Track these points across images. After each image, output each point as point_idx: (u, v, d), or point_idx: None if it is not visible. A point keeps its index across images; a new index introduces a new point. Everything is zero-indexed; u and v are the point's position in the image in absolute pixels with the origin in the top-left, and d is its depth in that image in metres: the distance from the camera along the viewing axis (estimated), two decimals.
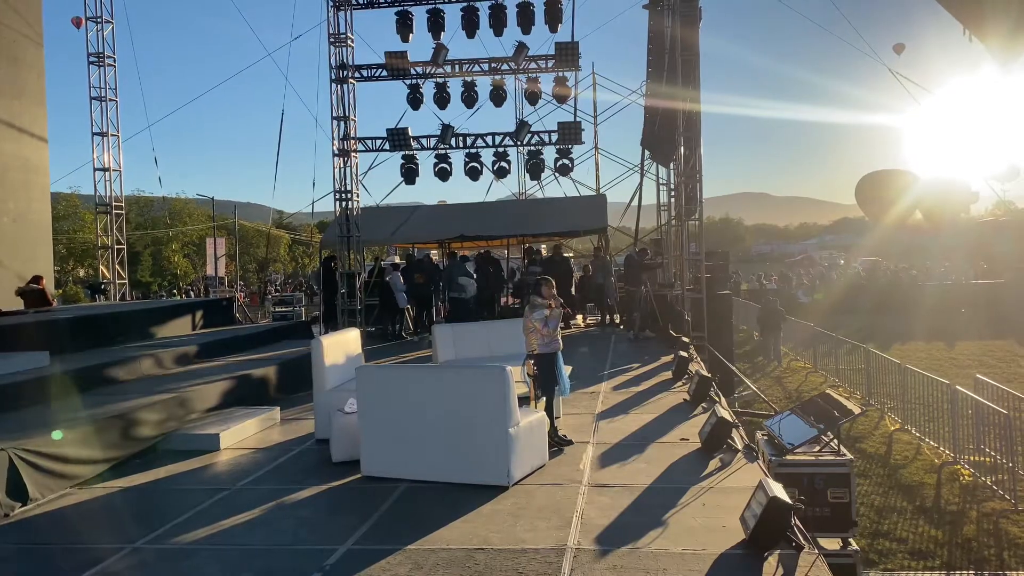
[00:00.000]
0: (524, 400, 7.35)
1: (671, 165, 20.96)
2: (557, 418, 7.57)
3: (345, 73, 17.32)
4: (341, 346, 8.43)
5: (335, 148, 17.40)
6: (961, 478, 10.90)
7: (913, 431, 13.15)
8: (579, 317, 18.75)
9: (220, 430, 7.98)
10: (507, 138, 17.97)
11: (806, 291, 33.88)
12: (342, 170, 17.37)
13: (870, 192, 49.89)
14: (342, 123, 17.40)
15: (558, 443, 7.28)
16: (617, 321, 17.69)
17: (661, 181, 23.71)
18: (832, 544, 6.96)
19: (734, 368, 14.27)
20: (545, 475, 6.48)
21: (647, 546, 4.86)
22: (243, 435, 8.23)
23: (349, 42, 17.37)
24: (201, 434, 8.01)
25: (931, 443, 12.32)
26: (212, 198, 55.10)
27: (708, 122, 16.36)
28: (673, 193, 19.91)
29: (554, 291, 7.52)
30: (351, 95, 17.48)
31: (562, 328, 7.83)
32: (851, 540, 7.05)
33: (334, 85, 17.37)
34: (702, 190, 15.73)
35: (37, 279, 15.27)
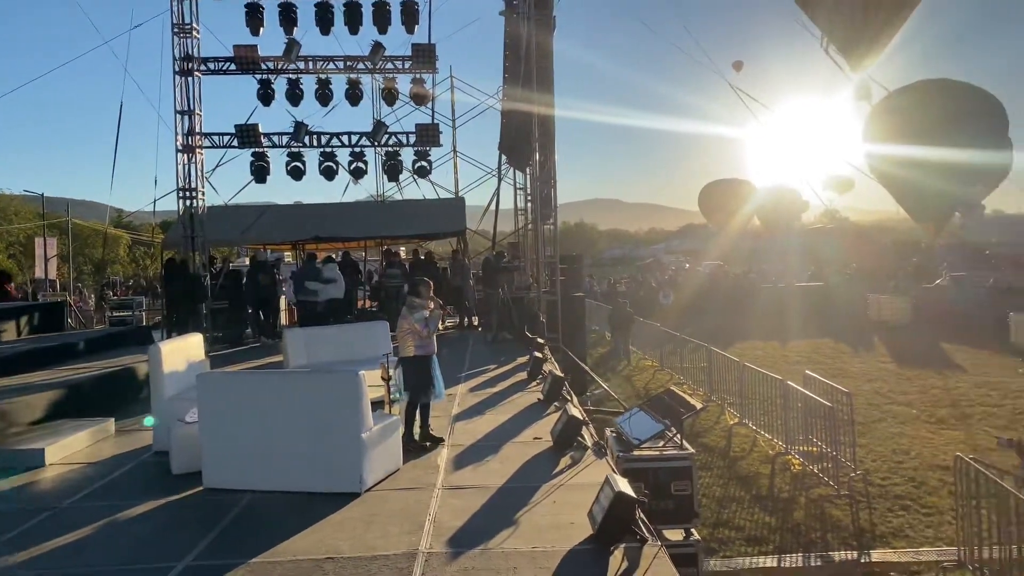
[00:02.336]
0: (380, 404, 7.28)
1: (527, 170, 21.31)
2: (427, 421, 7.57)
3: (190, 65, 16.44)
4: (182, 352, 7.99)
5: (179, 144, 16.48)
6: (792, 467, 11.71)
7: (750, 424, 14.00)
8: None
9: (46, 444, 7.36)
10: (363, 138, 17.67)
11: (665, 293, 35.46)
12: (186, 167, 16.48)
13: (712, 200, 52.93)
14: (187, 118, 16.50)
15: (434, 441, 7.42)
16: (475, 323, 17.80)
17: (518, 185, 24.09)
18: (676, 535, 7.29)
19: (586, 368, 14.68)
20: (399, 479, 6.41)
21: (498, 546, 4.90)
22: (72, 449, 7.63)
23: (195, 33, 16.52)
24: (24, 449, 7.36)
25: (766, 435, 13.15)
26: (42, 195, 50.85)
27: (563, 128, 16.76)
28: (529, 198, 20.25)
29: (432, 292, 7.58)
30: (197, 88, 16.63)
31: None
32: (693, 530, 7.41)
33: (178, 77, 16.46)
34: (556, 195, 16.10)
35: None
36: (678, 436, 7.66)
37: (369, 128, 17.78)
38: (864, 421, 13.13)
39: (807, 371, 13.27)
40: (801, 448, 11.94)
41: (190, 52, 16.43)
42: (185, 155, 16.47)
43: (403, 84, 18.10)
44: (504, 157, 23.00)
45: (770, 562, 8.50)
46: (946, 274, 35.20)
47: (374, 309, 17.88)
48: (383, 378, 7.21)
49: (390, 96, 17.99)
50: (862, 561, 8.44)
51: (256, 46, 17.02)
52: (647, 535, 4.87)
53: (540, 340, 13.16)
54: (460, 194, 22.72)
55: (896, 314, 27.62)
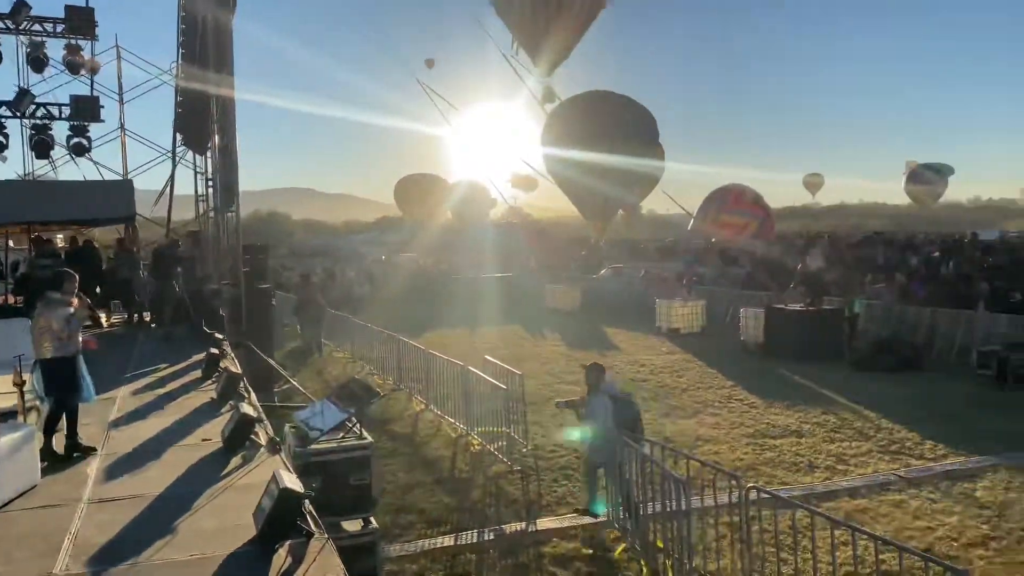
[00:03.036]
0: (13, 413, 6.41)
1: (208, 153, 19.98)
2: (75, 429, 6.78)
3: None
4: None
5: None
6: (472, 448, 12.32)
7: (435, 410, 14.48)
8: (102, 316, 16.84)
9: None
10: (4, 107, 15.32)
11: (361, 284, 35.44)
12: None
13: (407, 193, 54.12)
14: None
15: (84, 451, 6.72)
16: (147, 319, 16.35)
17: (198, 170, 22.49)
18: (356, 526, 7.28)
19: (273, 362, 14.16)
20: (36, 497, 5.68)
21: (150, 559, 4.54)
22: None
23: None
24: None
25: (449, 419, 13.69)
26: None
27: (251, 112, 15.99)
28: (211, 183, 19.00)
29: (76, 287, 6.83)
30: None
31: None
32: (372, 519, 7.45)
33: None
34: (239, 180, 15.28)
35: None
36: (358, 426, 7.66)
37: (11, 97, 15.47)
38: (536, 401, 14.21)
39: (486, 356, 14.01)
40: (480, 429, 12.61)
41: None
42: None
43: (55, 50, 16.01)
44: (180, 137, 21.34)
45: (448, 541, 8.85)
46: (607, 266, 39.66)
47: (20, 306, 15.59)
48: (15, 383, 6.31)
49: (38, 62, 15.81)
50: (530, 530, 9.11)
51: None
52: (313, 529, 4.80)
53: (219, 336, 12.46)
54: (129, 176, 20.65)
55: (568, 302, 30.41)
